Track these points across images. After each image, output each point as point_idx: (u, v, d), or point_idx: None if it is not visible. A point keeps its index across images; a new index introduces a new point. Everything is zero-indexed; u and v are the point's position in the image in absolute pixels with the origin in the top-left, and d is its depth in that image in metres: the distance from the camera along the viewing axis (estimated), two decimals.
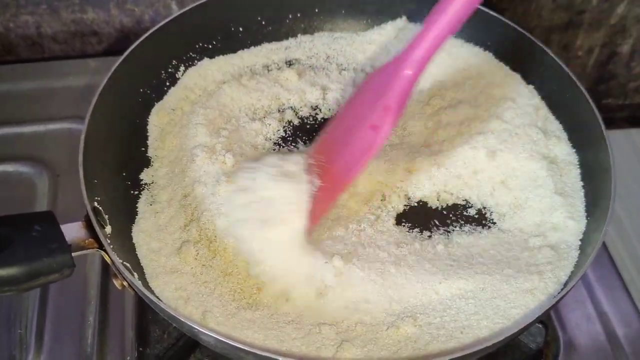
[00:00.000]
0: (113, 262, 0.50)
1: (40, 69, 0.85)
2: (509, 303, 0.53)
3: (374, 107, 0.53)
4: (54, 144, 0.76)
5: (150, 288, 0.53)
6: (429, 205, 0.62)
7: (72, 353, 0.59)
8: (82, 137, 0.56)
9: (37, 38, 0.89)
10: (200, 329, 0.46)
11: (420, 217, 0.61)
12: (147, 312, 0.62)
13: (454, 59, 0.73)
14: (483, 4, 0.71)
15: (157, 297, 0.50)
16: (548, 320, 0.62)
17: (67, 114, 0.79)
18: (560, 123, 0.67)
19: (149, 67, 0.68)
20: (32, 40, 0.89)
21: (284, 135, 0.68)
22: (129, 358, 0.59)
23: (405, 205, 0.62)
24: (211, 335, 0.46)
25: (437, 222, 0.61)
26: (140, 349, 0.60)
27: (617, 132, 1.05)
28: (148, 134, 0.66)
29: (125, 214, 0.59)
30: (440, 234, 0.60)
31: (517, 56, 0.71)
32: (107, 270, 0.65)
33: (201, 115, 0.65)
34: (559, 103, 0.68)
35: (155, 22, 0.90)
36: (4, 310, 0.62)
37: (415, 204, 0.62)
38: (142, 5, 0.88)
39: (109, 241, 0.52)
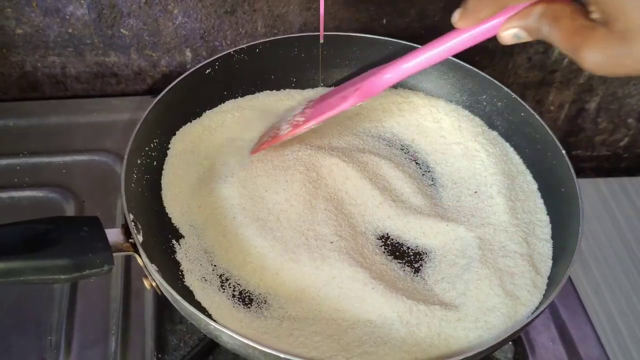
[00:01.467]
0: (145, 265, 0.58)
1: (66, 105, 0.94)
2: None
3: (352, 85, 0.66)
4: (79, 174, 0.84)
5: (179, 288, 0.61)
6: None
7: (99, 357, 0.67)
8: (125, 163, 0.65)
9: (61, 77, 0.98)
10: (224, 330, 0.54)
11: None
12: (165, 324, 0.70)
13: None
14: (466, 61, 0.83)
15: (182, 298, 0.56)
16: (517, 339, 0.71)
17: (92, 147, 0.87)
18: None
19: (178, 109, 0.76)
20: (56, 79, 0.98)
21: None
22: None
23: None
24: (233, 337, 0.53)
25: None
26: (159, 355, 0.67)
27: (585, 180, 1.16)
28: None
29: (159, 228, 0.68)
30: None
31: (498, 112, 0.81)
32: (129, 290, 0.72)
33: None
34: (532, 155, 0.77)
35: (170, 66, 0.99)
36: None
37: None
38: (159, 52, 0.96)
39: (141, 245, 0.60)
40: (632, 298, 0.97)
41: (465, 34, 0.53)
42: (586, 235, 1.04)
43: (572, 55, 0.44)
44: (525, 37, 0.48)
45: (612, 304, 0.96)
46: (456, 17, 0.50)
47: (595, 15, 0.42)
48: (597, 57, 0.42)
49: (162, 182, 0.71)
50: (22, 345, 0.67)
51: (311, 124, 0.68)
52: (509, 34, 0.48)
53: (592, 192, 1.13)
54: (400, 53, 0.83)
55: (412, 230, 0.70)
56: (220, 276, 0.64)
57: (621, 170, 1.25)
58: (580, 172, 1.23)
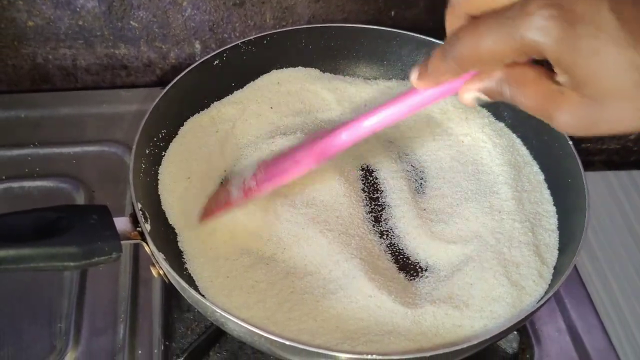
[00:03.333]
0: (152, 253, 0.59)
1: (77, 97, 0.95)
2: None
3: (305, 148, 0.61)
4: (89, 164, 0.85)
5: (185, 277, 0.62)
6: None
7: (108, 344, 0.68)
8: (133, 152, 0.66)
9: (72, 69, 0.99)
10: (230, 318, 0.54)
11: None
12: (172, 312, 0.71)
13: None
14: None
15: (187, 285, 0.57)
16: (523, 329, 0.71)
17: (102, 137, 0.88)
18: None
19: (186, 100, 0.77)
20: (67, 71, 0.99)
21: None
22: (156, 351, 0.67)
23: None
24: (239, 324, 0.53)
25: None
26: (167, 343, 0.68)
27: (595, 173, 1.15)
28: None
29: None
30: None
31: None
32: (137, 278, 0.73)
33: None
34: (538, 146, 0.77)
35: (179, 58, 1.00)
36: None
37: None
38: (169, 44, 0.97)
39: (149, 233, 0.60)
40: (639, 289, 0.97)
41: (423, 94, 0.49)
42: (595, 228, 1.04)
43: (544, 119, 0.41)
44: (487, 100, 0.45)
45: (619, 295, 0.96)
46: (414, 77, 0.47)
47: (561, 79, 0.40)
48: (571, 122, 0.40)
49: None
50: (32, 332, 0.68)
51: (264, 189, 0.64)
52: (470, 97, 0.45)
53: (601, 185, 1.12)
54: (407, 45, 0.84)
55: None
56: (224, 265, 0.65)
57: (631, 164, 1.25)
58: (590, 165, 1.23)
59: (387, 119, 0.53)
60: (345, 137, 0.57)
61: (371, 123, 0.54)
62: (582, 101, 0.39)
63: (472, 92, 0.44)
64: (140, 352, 0.67)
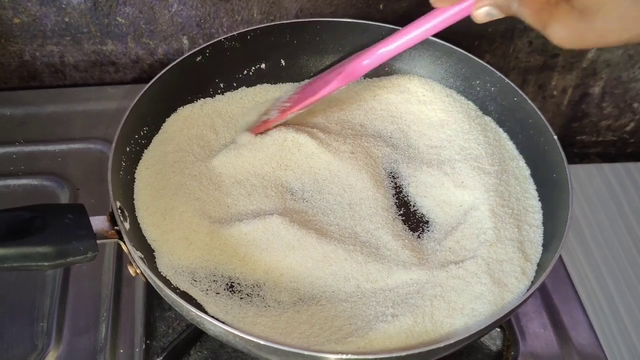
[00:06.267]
0: (129, 252, 0.58)
1: (63, 94, 0.95)
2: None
3: (334, 70, 0.70)
4: (75, 162, 0.84)
5: (162, 276, 0.61)
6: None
7: (90, 343, 0.67)
8: (112, 150, 0.66)
9: (60, 66, 0.98)
10: (205, 317, 0.54)
11: None
12: (154, 311, 0.70)
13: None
14: (465, 46, 0.81)
15: (164, 284, 0.56)
16: (508, 326, 0.70)
17: (87, 135, 0.88)
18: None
19: (169, 97, 0.76)
20: (55, 68, 0.98)
21: None
22: (137, 349, 0.67)
23: None
24: (215, 324, 0.53)
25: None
26: (148, 341, 0.68)
27: (591, 166, 1.14)
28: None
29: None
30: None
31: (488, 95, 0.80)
32: (120, 277, 0.73)
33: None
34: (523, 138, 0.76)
35: (167, 54, 0.99)
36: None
37: None
38: (156, 40, 0.97)
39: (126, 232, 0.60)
40: (634, 284, 0.96)
41: (442, 15, 0.56)
42: (590, 222, 1.04)
43: (541, 30, 0.45)
44: (497, 14, 0.49)
45: (613, 289, 0.95)
46: None
47: None
48: (562, 33, 0.44)
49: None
50: (14, 332, 0.68)
51: (297, 108, 0.70)
52: (482, 12, 0.50)
53: (597, 177, 1.11)
54: None
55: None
56: (207, 267, 0.64)
57: (627, 156, 1.24)
58: (586, 158, 1.22)
59: (405, 43, 0.62)
60: (367, 62, 0.66)
61: (389, 48, 0.64)
62: (573, 12, 0.43)
63: (484, 8, 0.50)
64: (121, 351, 0.67)
